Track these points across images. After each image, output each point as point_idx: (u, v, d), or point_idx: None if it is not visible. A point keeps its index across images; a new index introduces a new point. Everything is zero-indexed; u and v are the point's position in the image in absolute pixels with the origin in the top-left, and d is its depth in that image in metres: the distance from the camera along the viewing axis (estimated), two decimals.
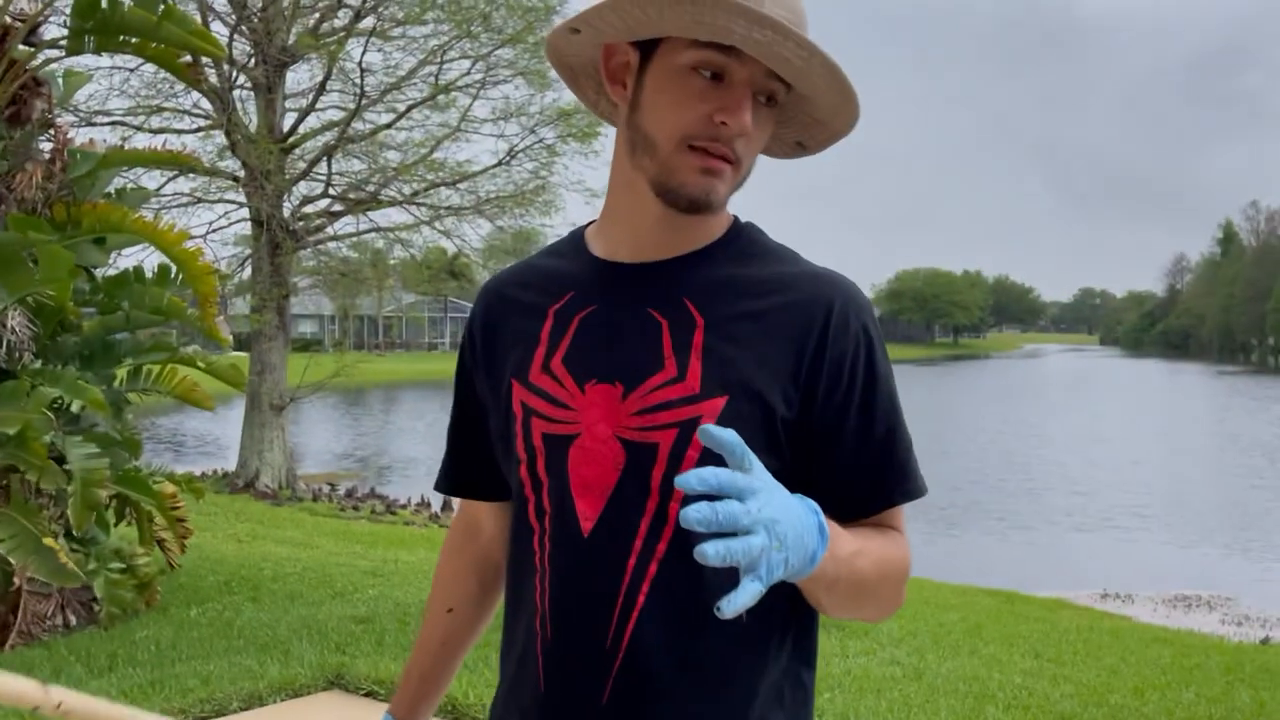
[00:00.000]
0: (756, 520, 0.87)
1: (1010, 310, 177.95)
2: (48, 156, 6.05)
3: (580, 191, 15.41)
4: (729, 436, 0.88)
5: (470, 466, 1.29)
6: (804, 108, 1.13)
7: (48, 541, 5.17)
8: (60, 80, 6.58)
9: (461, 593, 1.35)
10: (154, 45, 6.07)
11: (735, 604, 0.86)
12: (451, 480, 1.32)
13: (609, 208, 1.19)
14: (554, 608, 1.11)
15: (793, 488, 0.99)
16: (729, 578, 0.97)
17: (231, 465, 15.66)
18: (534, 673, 1.13)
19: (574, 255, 1.20)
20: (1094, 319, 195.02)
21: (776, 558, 0.88)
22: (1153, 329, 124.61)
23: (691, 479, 0.86)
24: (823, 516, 0.96)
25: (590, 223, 1.23)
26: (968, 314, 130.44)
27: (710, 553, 0.85)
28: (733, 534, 0.86)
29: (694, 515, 0.85)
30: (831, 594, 1.04)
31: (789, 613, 1.13)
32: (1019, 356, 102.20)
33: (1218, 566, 12.33)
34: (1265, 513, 16.01)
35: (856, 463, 1.11)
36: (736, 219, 1.19)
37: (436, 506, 14.51)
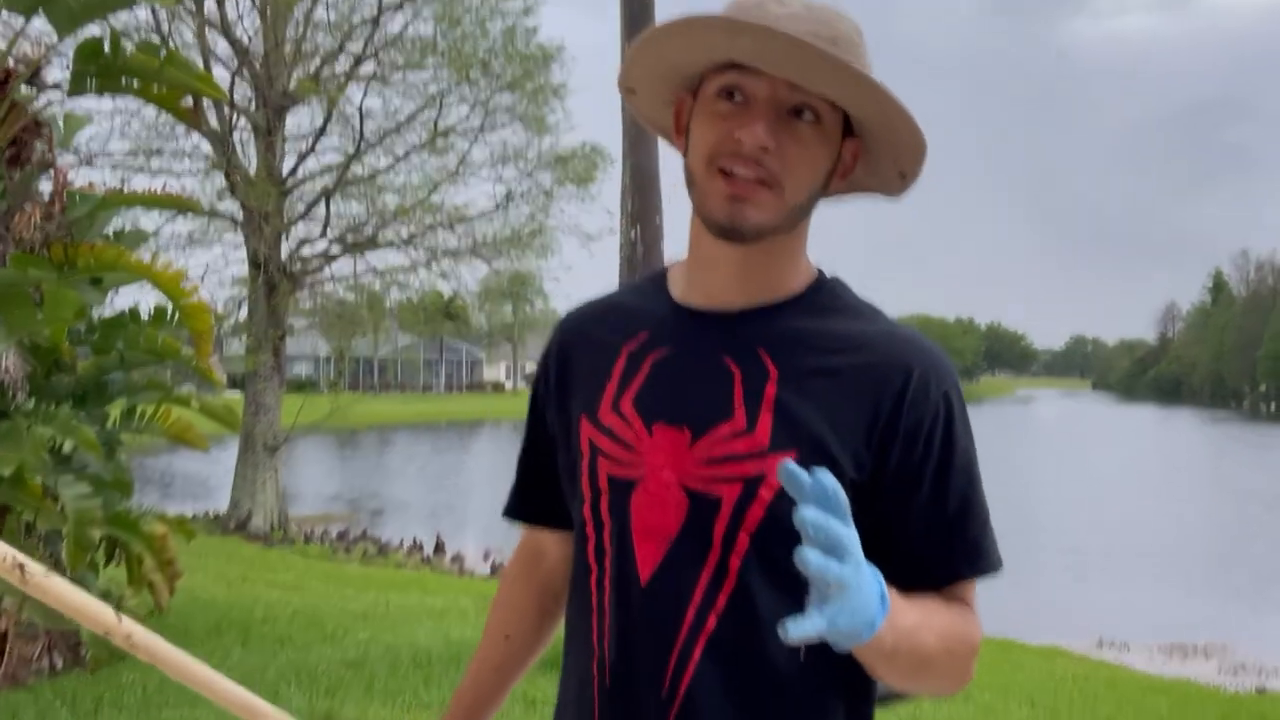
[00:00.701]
0: (854, 558, 0.88)
1: (1003, 356, 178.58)
2: (47, 198, 6.09)
3: (576, 235, 15.54)
4: (827, 480, 0.86)
5: (537, 495, 1.29)
6: (869, 128, 1.10)
7: None
8: (61, 122, 6.64)
9: (521, 620, 1.34)
10: (156, 88, 6.14)
11: (801, 629, 0.85)
12: (518, 508, 1.32)
13: (688, 252, 1.17)
14: (613, 654, 1.11)
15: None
16: (781, 645, 0.99)
17: (223, 506, 15.57)
18: (590, 717, 1.13)
19: (654, 295, 1.19)
20: (1086, 365, 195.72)
21: (844, 606, 0.88)
22: (1145, 375, 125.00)
23: (796, 472, 0.86)
24: (885, 585, 0.94)
25: (676, 263, 1.22)
26: (960, 359, 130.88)
27: (812, 560, 0.84)
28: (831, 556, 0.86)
29: (809, 515, 0.85)
30: (891, 665, 1.01)
31: (848, 677, 1.09)
32: (1012, 402, 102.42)
33: (1214, 614, 12.26)
34: (1260, 560, 15.96)
35: (927, 534, 1.08)
36: (821, 273, 1.16)
37: (429, 549, 14.41)
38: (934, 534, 1.08)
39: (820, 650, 1.04)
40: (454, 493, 23.59)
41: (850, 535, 0.88)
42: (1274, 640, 11.05)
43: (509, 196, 15.25)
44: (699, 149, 1.08)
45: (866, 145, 1.12)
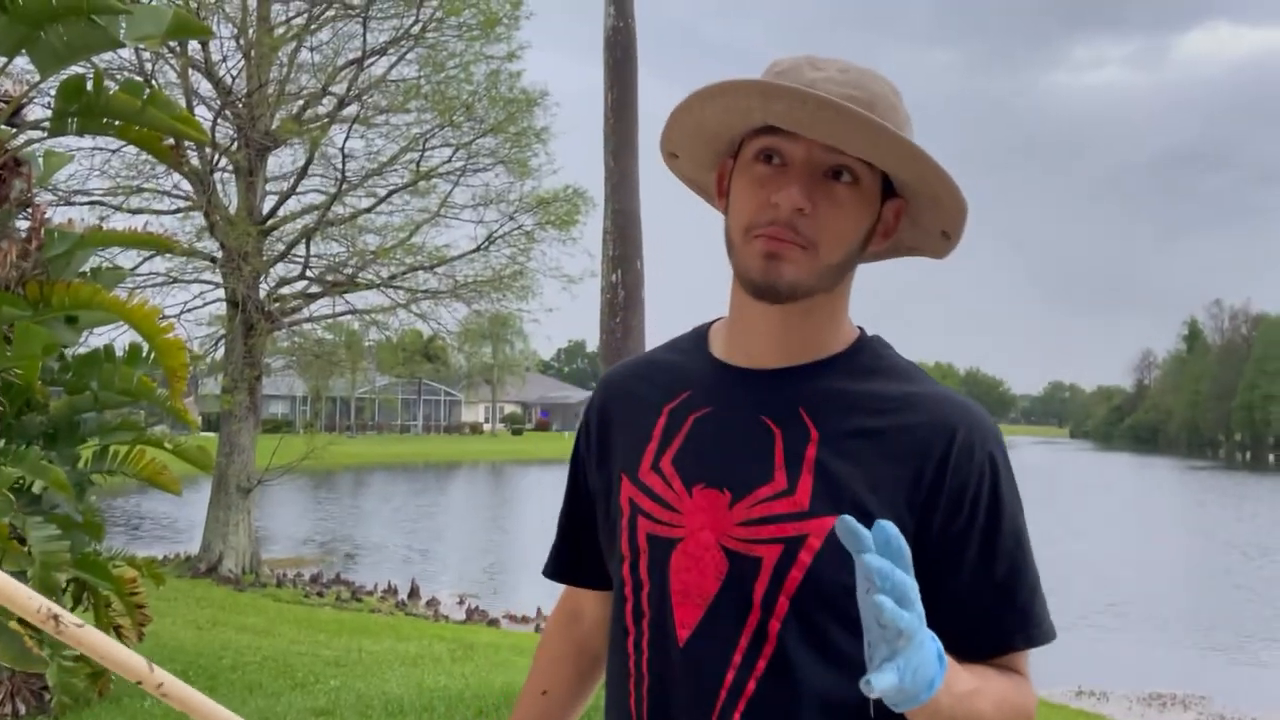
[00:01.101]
0: (917, 609, 0.85)
1: (982, 401, 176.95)
2: (24, 235, 6.05)
3: (557, 277, 15.57)
4: (889, 529, 0.84)
5: (576, 554, 1.28)
6: (910, 188, 1.10)
7: (13, 625, 5.02)
8: (40, 160, 6.62)
9: (558, 677, 1.33)
10: (137, 129, 6.13)
11: (883, 681, 0.83)
12: (557, 567, 1.31)
13: (729, 314, 1.17)
14: (650, 717, 1.10)
15: None
16: (828, 701, 1.02)
17: (194, 548, 15.35)
18: None
19: (695, 353, 1.19)
20: (1064, 412, 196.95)
21: (911, 659, 0.85)
22: (1121, 423, 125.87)
23: (854, 525, 0.84)
24: (940, 645, 0.91)
25: (716, 319, 1.22)
26: None
27: (886, 607, 0.82)
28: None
29: (875, 563, 0.83)
30: None
31: None
32: None
33: (1192, 665, 12.25)
34: (1240, 611, 15.99)
35: (974, 601, 1.06)
36: (863, 332, 1.16)
37: (403, 594, 14.23)
38: (982, 601, 1.06)
39: (861, 714, 1.04)
40: (430, 536, 23.37)
41: (913, 585, 0.86)
42: (1252, 692, 11.04)
43: (490, 238, 15.28)
44: (738, 213, 1.09)
45: (910, 205, 1.11)
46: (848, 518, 0.84)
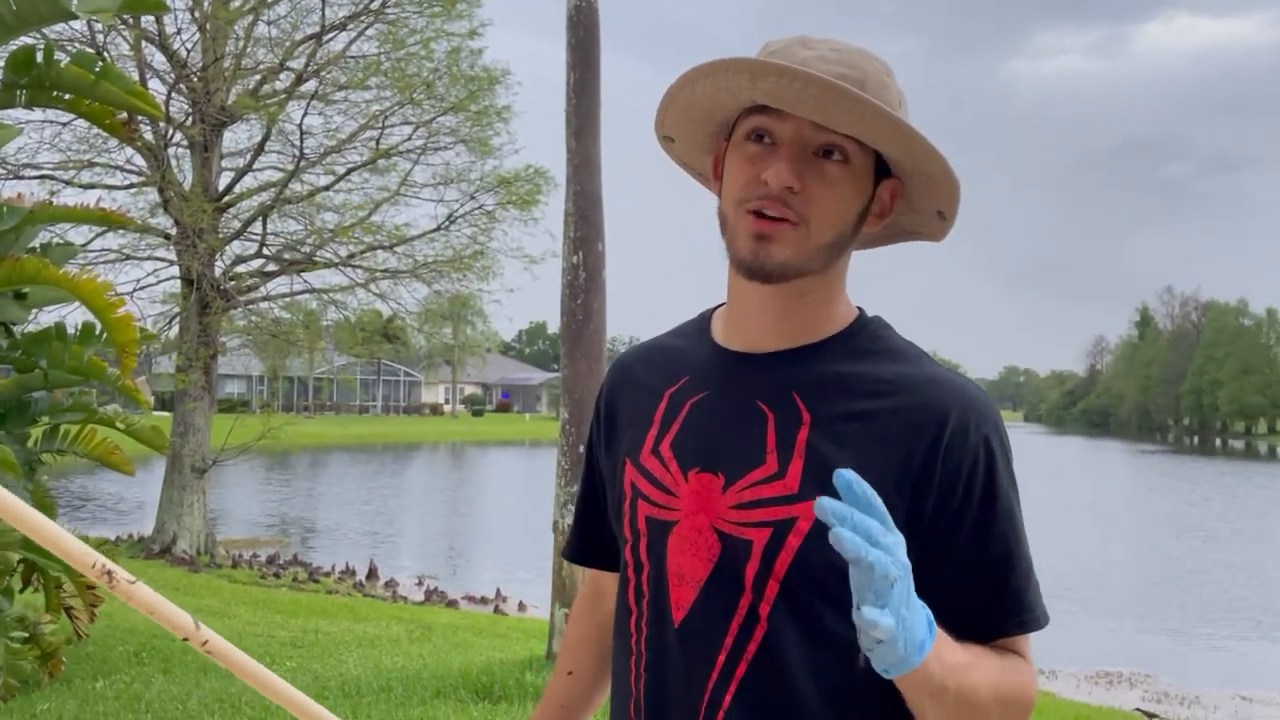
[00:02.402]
0: (890, 549, 0.85)
1: None
2: None
3: (519, 258, 15.49)
4: (849, 477, 0.85)
5: (595, 537, 1.29)
6: (903, 167, 1.10)
7: None
8: None
9: (582, 658, 1.37)
10: (88, 102, 6.00)
11: (876, 618, 0.83)
12: (578, 550, 1.34)
13: (727, 295, 1.18)
14: (647, 697, 1.13)
15: None
16: (819, 684, 1.04)
17: (147, 529, 15.15)
18: None
19: (697, 338, 1.20)
20: (1018, 396, 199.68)
21: (902, 612, 0.85)
22: (1074, 407, 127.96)
23: (827, 504, 0.83)
24: (930, 613, 0.91)
25: (720, 304, 1.22)
26: None
27: (845, 537, 0.82)
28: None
29: (828, 505, 0.83)
30: (939, 704, 0.96)
31: None
32: None
33: (1138, 643, 12.54)
34: (1187, 591, 16.38)
35: (967, 585, 1.05)
36: (862, 313, 1.16)
37: (361, 575, 14.16)
38: (976, 586, 1.06)
39: (853, 696, 1.06)
40: (389, 517, 23.26)
41: (891, 537, 0.86)
42: (1196, 671, 11.33)
43: (451, 218, 15.16)
44: (729, 192, 1.09)
45: (905, 186, 1.11)
46: (824, 499, 0.84)
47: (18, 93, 5.78)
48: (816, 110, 1.01)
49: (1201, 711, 9.53)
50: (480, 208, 15.24)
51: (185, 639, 0.99)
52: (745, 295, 1.13)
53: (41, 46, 5.88)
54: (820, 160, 1.05)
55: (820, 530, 0.96)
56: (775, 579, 1.05)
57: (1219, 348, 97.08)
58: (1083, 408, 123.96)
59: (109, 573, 0.96)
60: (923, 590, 0.96)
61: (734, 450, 1.08)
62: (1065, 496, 33.15)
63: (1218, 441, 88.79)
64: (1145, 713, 8.62)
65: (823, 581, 1.03)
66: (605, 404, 1.25)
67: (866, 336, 1.13)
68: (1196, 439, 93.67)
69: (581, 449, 6.55)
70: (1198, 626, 13.67)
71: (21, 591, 6.24)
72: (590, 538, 1.31)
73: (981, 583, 1.06)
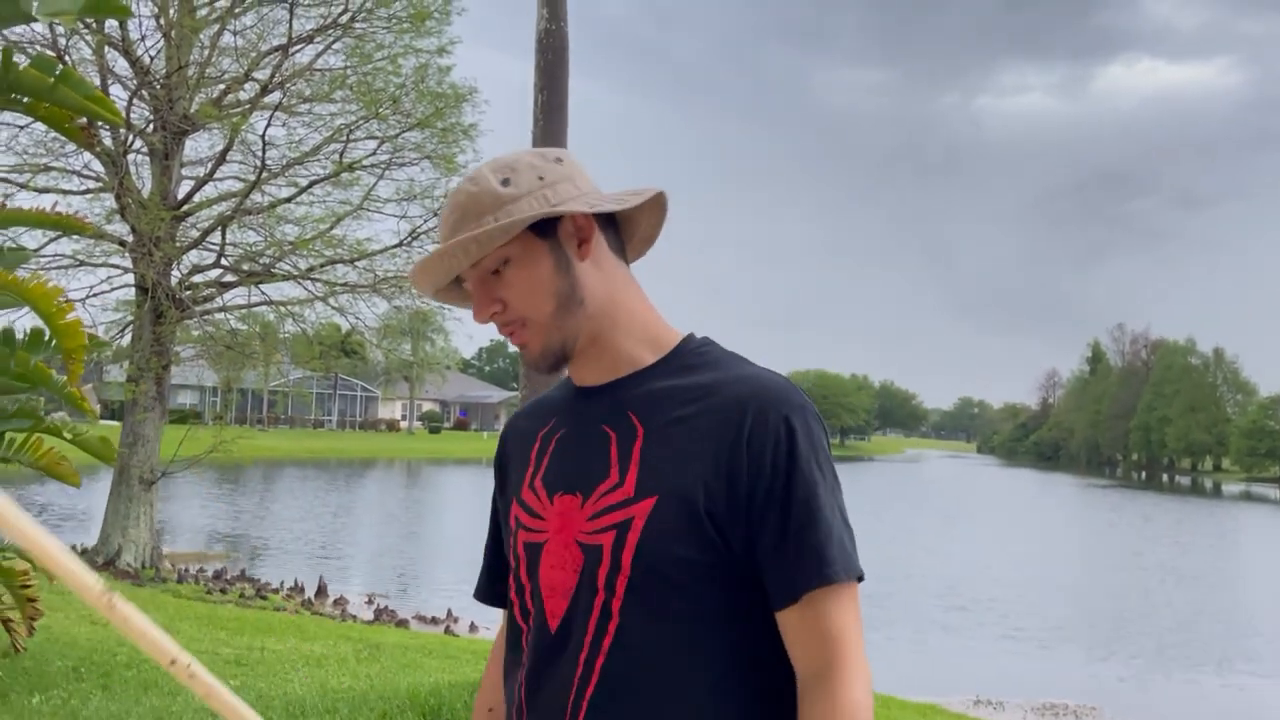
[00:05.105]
0: None
1: (894, 415, 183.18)
2: None
3: None
4: None
5: (499, 578, 1.41)
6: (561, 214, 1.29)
7: None
8: None
9: (499, 694, 1.43)
10: (46, 106, 5.92)
11: None
12: (485, 591, 1.46)
13: None
14: (527, 695, 1.25)
15: (735, 576, 1.17)
16: (667, 671, 1.16)
17: (91, 540, 14.83)
18: None
19: (564, 386, 1.37)
20: (972, 427, 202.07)
21: None
22: (1026, 440, 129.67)
23: None
24: None
25: None
26: (855, 416, 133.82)
27: None
28: None
29: None
30: None
31: (746, 703, 1.20)
32: (901, 460, 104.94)
33: (1086, 677, 12.68)
34: (1135, 624, 16.61)
35: (777, 549, 1.18)
36: (689, 336, 1.33)
37: (310, 592, 13.96)
38: (783, 546, 1.18)
39: (707, 671, 1.18)
40: (341, 534, 22.96)
41: None
42: (1141, 704, 11.48)
43: (414, 234, 15.09)
44: None
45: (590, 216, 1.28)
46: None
47: None
48: (456, 267, 1.26)
49: None
50: None
51: (172, 662, 1.04)
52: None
53: (0, 48, 5.80)
54: (496, 277, 1.26)
55: (655, 525, 1.17)
56: (623, 575, 1.18)
57: (1168, 385, 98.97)
58: (1034, 440, 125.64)
59: (109, 597, 1.02)
60: (754, 561, 1.17)
61: (587, 470, 1.24)
62: (1017, 527, 33.53)
63: (1164, 477, 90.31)
64: None
65: (663, 569, 1.17)
66: (499, 459, 1.41)
67: (689, 354, 1.29)
68: (1144, 474, 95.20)
69: None
70: (1146, 661, 13.86)
71: None
72: (494, 579, 1.43)
73: (787, 545, 1.18)
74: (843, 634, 1.17)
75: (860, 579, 1.21)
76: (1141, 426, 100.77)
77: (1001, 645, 14.00)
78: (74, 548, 14.79)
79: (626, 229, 1.34)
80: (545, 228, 1.25)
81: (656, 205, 1.33)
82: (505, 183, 1.26)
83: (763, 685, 1.19)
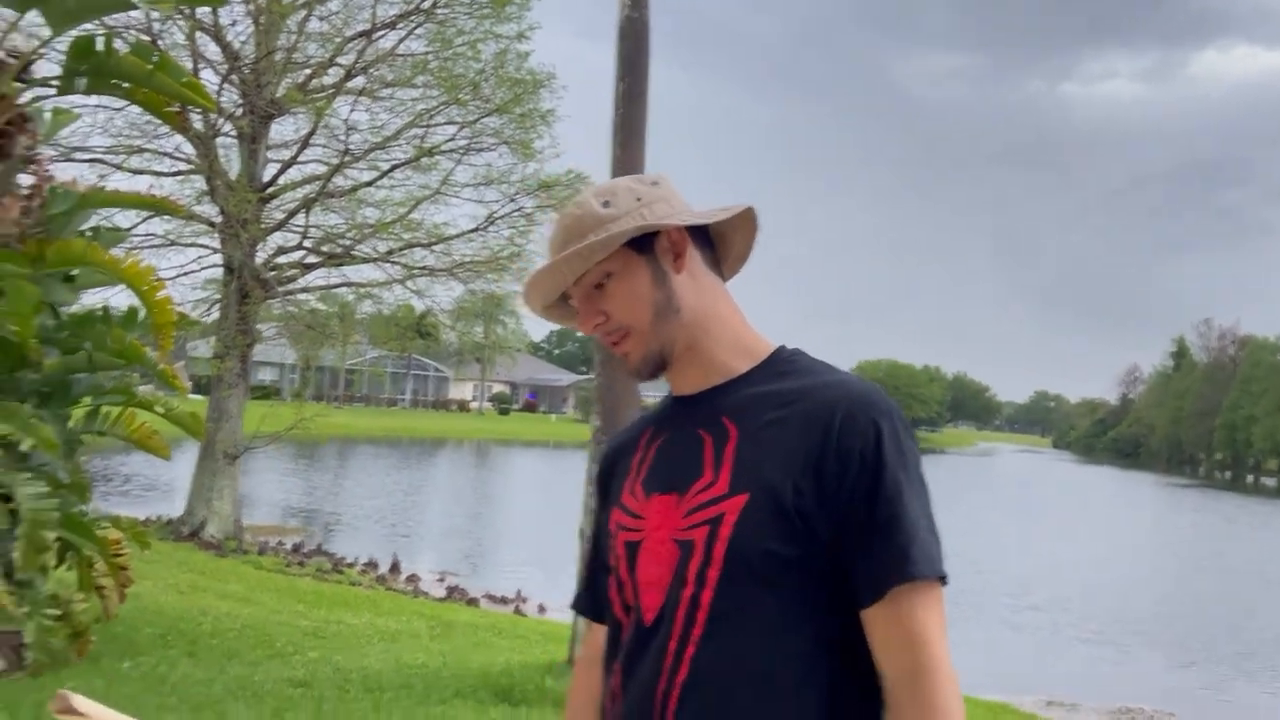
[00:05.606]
0: None
1: (967, 407, 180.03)
2: (26, 192, 6.03)
3: None
4: None
5: (599, 591, 1.47)
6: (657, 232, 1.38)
7: None
8: (47, 117, 6.59)
9: (589, 710, 1.49)
10: (144, 91, 6.11)
11: None
12: (584, 602, 1.53)
13: None
14: (623, 684, 1.32)
15: (821, 573, 1.23)
16: (754, 661, 1.22)
17: (174, 510, 15.33)
18: None
19: (664, 399, 1.47)
20: (1047, 421, 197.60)
21: None
22: (1104, 436, 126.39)
23: None
24: None
25: None
26: (926, 408, 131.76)
27: None
28: None
29: None
30: None
31: (828, 697, 1.24)
32: (973, 454, 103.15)
33: (1162, 680, 12.38)
34: (1211, 627, 16.15)
35: (862, 546, 1.23)
36: (781, 347, 1.42)
37: (384, 568, 14.26)
38: (868, 543, 1.23)
39: (793, 663, 1.23)
40: (412, 511, 23.39)
41: None
42: (1219, 712, 11.16)
43: (490, 219, 15.25)
44: None
45: (686, 232, 1.37)
46: None
47: (77, 80, 5.90)
48: (563, 282, 1.37)
49: None
50: (519, 210, 15.32)
51: None
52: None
53: (101, 35, 6.00)
54: (599, 291, 1.36)
55: (746, 520, 1.23)
56: (715, 568, 1.25)
57: (1255, 383, 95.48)
58: (1113, 436, 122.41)
59: None
60: (841, 555, 1.23)
61: (684, 471, 1.32)
62: (1093, 526, 32.77)
63: (1249, 478, 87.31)
64: None
65: (752, 563, 1.23)
66: (602, 475, 1.49)
67: (781, 363, 1.37)
68: (1229, 474, 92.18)
69: None
70: (1229, 668, 13.47)
71: (55, 569, 6.35)
72: (594, 591, 1.48)
73: (873, 543, 1.23)
74: (928, 634, 1.22)
75: (944, 581, 1.25)
76: (1227, 425, 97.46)
77: (1075, 647, 13.72)
78: (159, 518, 15.32)
79: (721, 246, 1.44)
80: (643, 243, 1.35)
81: (748, 223, 1.43)
82: (606, 204, 1.36)
83: (847, 679, 1.24)
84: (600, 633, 1.48)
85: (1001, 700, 9.93)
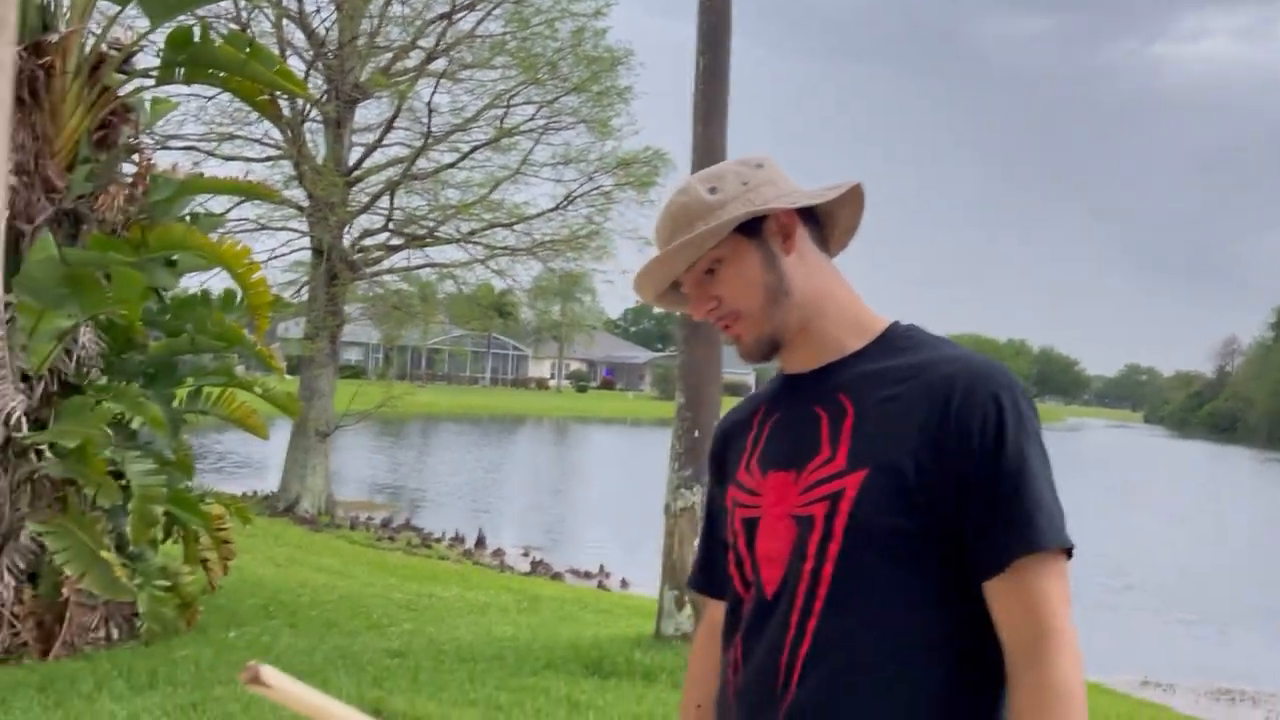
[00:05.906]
0: None
1: (1054, 381, 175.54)
2: (130, 180, 6.26)
3: (634, 239, 15.58)
4: None
5: (715, 568, 1.49)
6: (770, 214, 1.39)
7: (104, 555, 5.27)
8: (147, 107, 6.82)
9: (708, 691, 1.49)
10: (238, 80, 6.28)
11: None
12: (700, 579, 1.55)
13: None
14: (744, 655, 1.34)
15: (939, 545, 1.23)
16: (877, 633, 1.24)
17: (268, 486, 15.82)
18: (730, 711, 1.36)
19: (776, 377, 1.48)
20: (1139, 396, 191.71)
21: None
22: (1200, 410, 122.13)
23: None
24: None
25: None
26: None
27: None
28: None
29: None
30: None
31: (938, 672, 1.25)
32: (1062, 429, 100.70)
33: (1264, 660, 11.99)
34: None
35: (985, 518, 1.23)
36: (895, 322, 1.41)
37: (470, 543, 14.54)
38: (990, 515, 1.23)
39: (913, 635, 1.25)
40: (495, 487, 23.76)
41: None
42: None
43: (569, 198, 15.33)
44: None
45: (797, 214, 1.37)
46: None
47: (175, 69, 6.09)
48: (675, 272, 1.38)
49: None
50: (598, 188, 15.37)
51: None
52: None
53: (196, 26, 6.18)
54: (710, 276, 1.37)
55: (866, 495, 1.24)
56: (835, 542, 1.26)
57: None
58: (1209, 410, 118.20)
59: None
60: (962, 535, 1.22)
61: (800, 448, 1.33)
62: (1189, 502, 31.79)
63: None
64: None
65: (874, 536, 1.24)
66: (716, 452, 1.51)
67: (898, 339, 1.37)
68: None
69: (696, 434, 6.59)
70: None
71: (163, 543, 6.63)
72: (709, 569, 1.51)
73: (996, 515, 1.22)
74: (1050, 606, 1.20)
75: (1069, 553, 1.24)
76: None
77: (1171, 627, 13.37)
78: (254, 494, 15.85)
79: (827, 223, 1.43)
80: (751, 227, 1.35)
81: (854, 197, 1.42)
82: (712, 191, 1.36)
83: (969, 649, 1.24)
84: (718, 606, 1.49)
85: (1095, 680, 9.74)
